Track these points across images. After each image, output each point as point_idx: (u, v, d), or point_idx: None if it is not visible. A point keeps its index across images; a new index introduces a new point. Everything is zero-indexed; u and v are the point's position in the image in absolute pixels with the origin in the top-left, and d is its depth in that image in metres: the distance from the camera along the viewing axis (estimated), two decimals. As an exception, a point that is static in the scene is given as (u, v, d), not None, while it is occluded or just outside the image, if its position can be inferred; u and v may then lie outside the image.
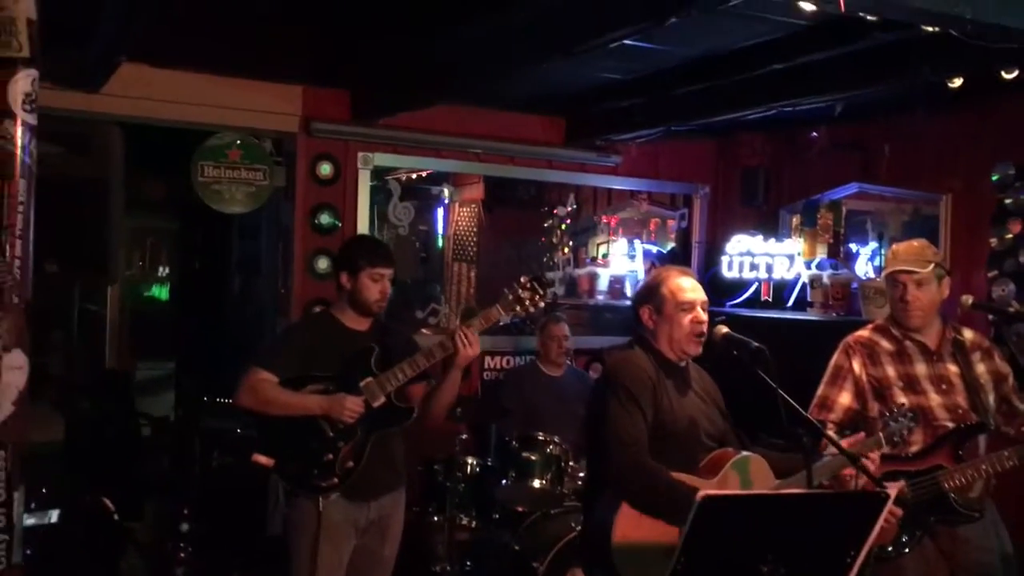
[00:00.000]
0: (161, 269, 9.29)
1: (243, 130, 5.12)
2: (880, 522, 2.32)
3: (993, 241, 4.51)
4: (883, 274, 3.40)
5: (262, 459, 3.27)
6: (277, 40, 4.35)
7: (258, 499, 4.85)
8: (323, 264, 5.21)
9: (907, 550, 3.15)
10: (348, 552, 3.44)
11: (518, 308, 3.45)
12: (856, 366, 3.37)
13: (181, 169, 5.15)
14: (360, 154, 5.31)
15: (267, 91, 5.08)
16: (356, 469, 3.36)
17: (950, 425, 3.22)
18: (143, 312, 9.51)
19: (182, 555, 4.30)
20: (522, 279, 3.46)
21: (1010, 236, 4.45)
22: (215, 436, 4.98)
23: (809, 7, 2.92)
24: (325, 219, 5.26)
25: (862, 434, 3.08)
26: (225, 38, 4.35)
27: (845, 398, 3.37)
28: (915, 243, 3.42)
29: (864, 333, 3.45)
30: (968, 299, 3.27)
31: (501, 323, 3.51)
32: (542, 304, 3.50)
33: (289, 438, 3.34)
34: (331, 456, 3.34)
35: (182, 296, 8.32)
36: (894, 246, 3.48)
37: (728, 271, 5.71)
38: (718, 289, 5.64)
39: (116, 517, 3.58)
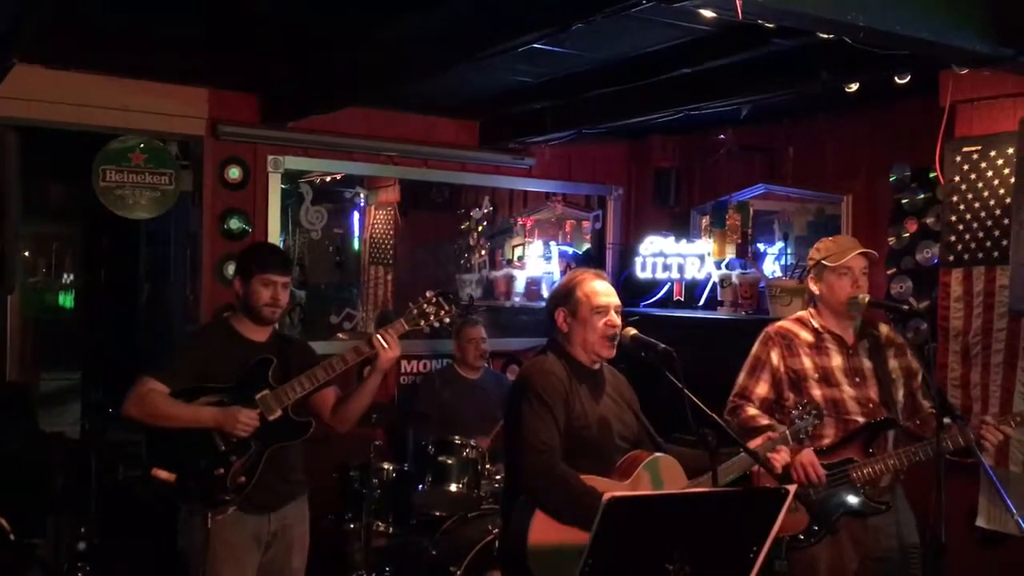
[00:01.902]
0: (66, 276, 8.97)
1: (147, 133, 4.98)
2: (781, 517, 2.38)
3: (891, 240, 4.67)
4: (836, 262, 3.37)
5: (162, 474, 3.16)
6: (181, 43, 4.24)
7: (167, 513, 4.72)
8: (233, 270, 5.10)
9: (818, 539, 3.25)
10: (253, 567, 3.34)
11: (422, 323, 3.42)
12: (774, 357, 3.46)
13: (84, 174, 4.99)
14: (270, 157, 5.22)
15: (171, 94, 4.95)
16: (249, 484, 3.26)
17: (860, 419, 3.33)
18: (47, 321, 9.20)
19: (79, 574, 4.14)
20: (428, 294, 3.43)
21: (907, 235, 4.61)
22: (121, 449, 4.83)
23: (709, 13, 2.98)
24: (235, 224, 5.15)
25: (772, 433, 3.16)
26: (126, 40, 4.22)
27: (762, 388, 3.46)
28: (848, 236, 3.53)
29: (784, 324, 3.55)
30: (865, 297, 3.37)
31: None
32: (447, 320, 3.46)
33: (179, 452, 3.22)
34: (222, 471, 3.23)
35: (88, 304, 8.06)
36: (832, 239, 3.57)
37: (642, 272, 5.79)
38: (632, 289, 5.72)
39: (12, 536, 3.43)
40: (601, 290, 3.01)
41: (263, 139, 5.19)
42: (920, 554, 3.41)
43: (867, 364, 3.42)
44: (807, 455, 3.23)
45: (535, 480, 2.80)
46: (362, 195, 6.67)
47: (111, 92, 4.80)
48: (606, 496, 2.20)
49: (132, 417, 3.23)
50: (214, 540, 3.22)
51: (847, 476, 3.28)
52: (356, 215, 6.84)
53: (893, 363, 3.46)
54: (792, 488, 2.39)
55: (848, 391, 3.37)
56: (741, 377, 3.51)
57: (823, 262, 3.42)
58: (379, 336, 3.33)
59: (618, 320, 2.99)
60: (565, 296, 3.04)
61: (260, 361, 3.34)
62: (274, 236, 5.27)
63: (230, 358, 3.33)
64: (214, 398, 3.27)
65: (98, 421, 5.10)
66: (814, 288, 3.47)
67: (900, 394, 3.44)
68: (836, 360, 3.42)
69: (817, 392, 3.36)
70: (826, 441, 3.34)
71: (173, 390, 3.24)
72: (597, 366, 3.07)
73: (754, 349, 3.52)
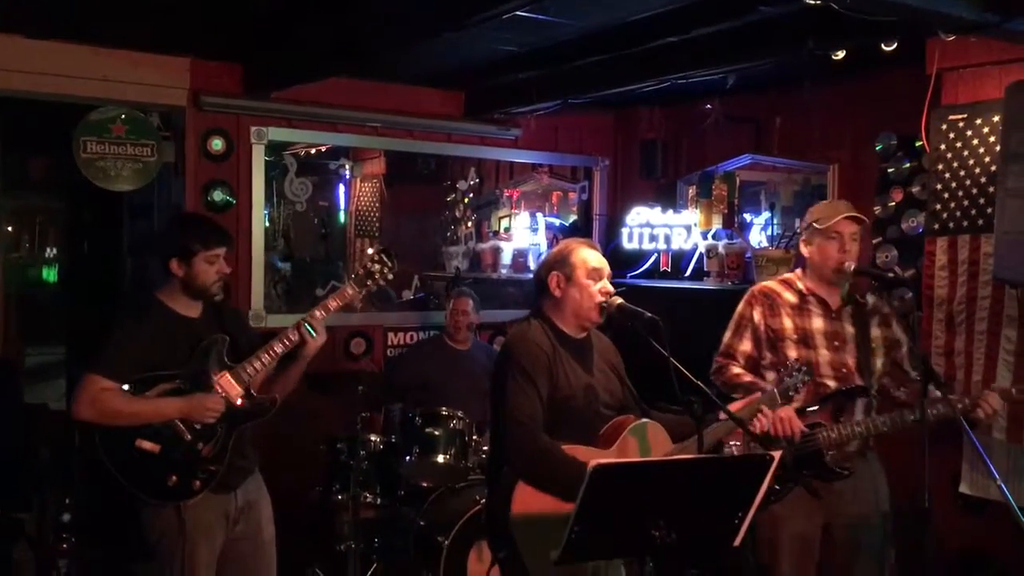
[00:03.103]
0: (49, 250, 8.89)
1: (128, 104, 4.92)
2: (766, 484, 2.39)
3: (877, 209, 4.66)
4: (825, 224, 3.39)
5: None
6: (162, 11, 4.18)
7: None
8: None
9: (778, 498, 3.28)
10: (220, 544, 3.30)
11: (369, 283, 3.39)
12: (756, 315, 3.50)
13: (65, 146, 4.93)
14: (253, 128, 5.17)
15: (152, 63, 4.88)
16: (220, 470, 3.20)
17: (832, 384, 3.36)
18: (31, 296, 9.13)
19: (65, 546, 4.13)
20: (370, 251, 3.42)
21: (892, 204, 4.61)
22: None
23: (696, -21, 2.96)
24: (218, 196, 5.11)
25: (757, 395, 3.19)
26: (105, 8, 4.16)
27: (746, 346, 3.52)
28: (843, 200, 3.56)
29: (769, 284, 3.59)
30: (851, 265, 3.38)
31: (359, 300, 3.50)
32: (390, 276, 3.43)
33: (139, 447, 3.10)
34: (190, 458, 3.15)
35: (72, 278, 7.99)
36: (826, 202, 3.60)
37: (628, 242, 5.78)
38: (619, 260, 5.71)
39: (-2, 510, 3.41)
40: (594, 256, 3.03)
41: (246, 110, 5.14)
42: (889, 522, 3.46)
43: (849, 330, 3.45)
44: (786, 410, 3.26)
45: (519, 453, 2.81)
46: (347, 167, 6.63)
47: (91, 62, 4.73)
48: (592, 464, 2.21)
49: (87, 420, 3.05)
50: (187, 525, 3.16)
51: (814, 439, 3.30)
52: (341, 187, 6.79)
53: (876, 332, 3.48)
54: (777, 455, 2.40)
55: (824, 354, 3.40)
56: (726, 336, 3.57)
57: (814, 224, 3.44)
58: (304, 324, 3.25)
59: (611, 288, 3.00)
60: (560, 261, 3.04)
61: (213, 340, 3.22)
62: (258, 208, 5.24)
63: (173, 340, 3.18)
64: (169, 386, 3.14)
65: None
66: (804, 251, 3.49)
67: (879, 363, 3.46)
68: (817, 323, 3.44)
69: (793, 353, 3.40)
70: (796, 405, 3.35)
71: (123, 384, 3.09)
72: (583, 335, 3.07)
73: (738, 308, 3.58)
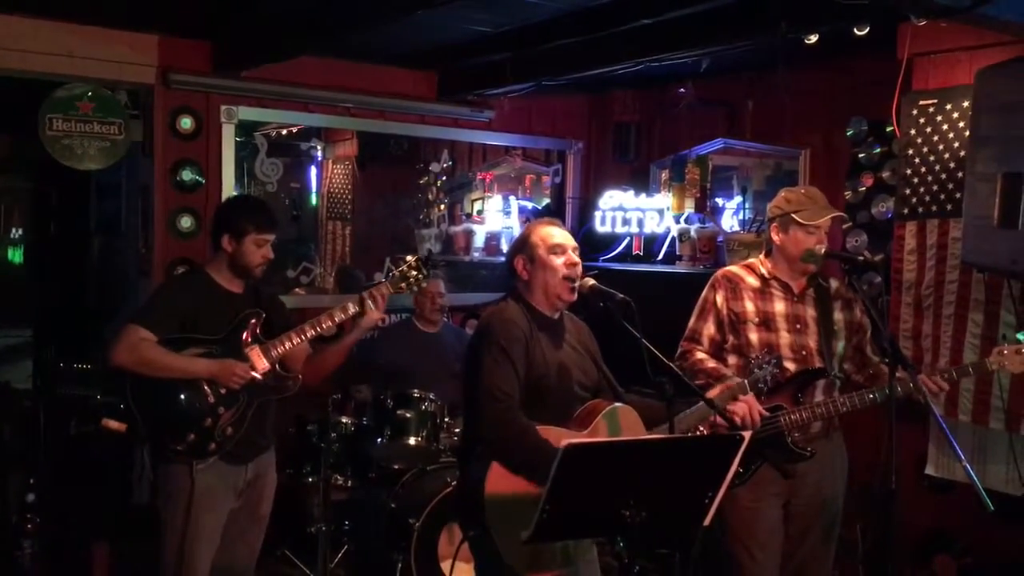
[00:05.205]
0: (14, 231, 8.78)
1: (95, 81, 4.83)
2: (735, 464, 2.41)
3: (848, 194, 4.70)
4: (808, 219, 3.35)
5: (112, 424, 3.16)
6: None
7: (122, 467, 4.68)
8: (187, 223, 5.02)
9: (742, 482, 3.30)
10: (225, 515, 3.39)
11: (403, 285, 3.54)
12: (719, 299, 3.51)
13: (30, 124, 4.84)
14: (223, 107, 5.10)
15: (120, 40, 4.80)
16: (236, 436, 3.31)
17: (792, 366, 3.37)
18: (-5, 277, 9.01)
19: (29, 526, 4.12)
20: (409, 258, 3.55)
21: (863, 189, 4.64)
22: (73, 403, 4.75)
23: (670, -40, 2.95)
24: (187, 176, 5.05)
25: (730, 382, 3.20)
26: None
27: (710, 329, 3.52)
28: (816, 189, 3.54)
29: (732, 268, 3.61)
30: (821, 248, 3.39)
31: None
32: (424, 285, 3.66)
33: (165, 401, 3.25)
34: (210, 421, 3.27)
35: (38, 259, 7.88)
36: (803, 192, 3.52)
37: (601, 226, 5.78)
38: (592, 244, 5.72)
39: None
40: (556, 232, 3.01)
41: (216, 88, 5.07)
42: (842, 501, 3.50)
43: (810, 313, 3.46)
44: (748, 399, 3.25)
45: (494, 431, 2.80)
46: (319, 148, 6.57)
47: (56, 37, 4.64)
48: (564, 442, 2.21)
49: (123, 366, 3.21)
50: (197, 488, 3.26)
51: (776, 422, 3.31)
52: (313, 169, 6.74)
53: (839, 316, 3.50)
54: (747, 435, 2.42)
55: (785, 337, 3.42)
56: (692, 321, 3.58)
57: (793, 216, 3.39)
58: (371, 295, 3.40)
59: (577, 259, 2.98)
60: (522, 244, 3.03)
61: (249, 314, 3.39)
62: (228, 189, 5.17)
63: (213, 309, 3.36)
64: (202, 349, 3.30)
65: (50, 376, 5.02)
66: (776, 238, 3.46)
67: (839, 346, 3.48)
68: (779, 306, 3.46)
69: (754, 336, 3.42)
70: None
71: (160, 339, 3.24)
72: (557, 315, 3.06)
73: (703, 292, 3.59)
